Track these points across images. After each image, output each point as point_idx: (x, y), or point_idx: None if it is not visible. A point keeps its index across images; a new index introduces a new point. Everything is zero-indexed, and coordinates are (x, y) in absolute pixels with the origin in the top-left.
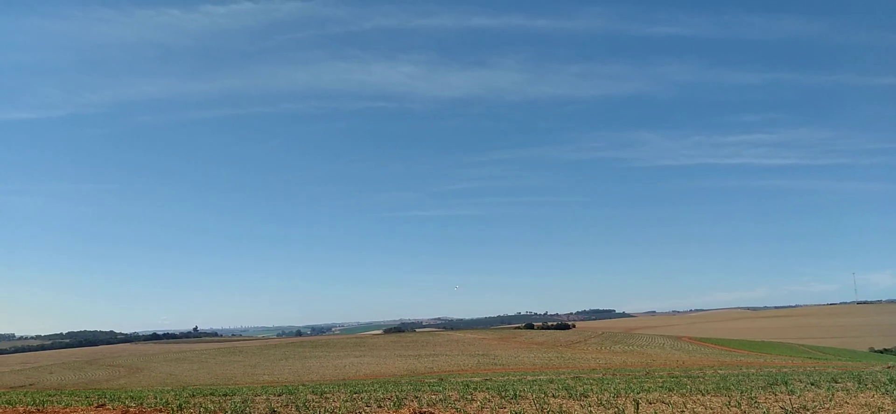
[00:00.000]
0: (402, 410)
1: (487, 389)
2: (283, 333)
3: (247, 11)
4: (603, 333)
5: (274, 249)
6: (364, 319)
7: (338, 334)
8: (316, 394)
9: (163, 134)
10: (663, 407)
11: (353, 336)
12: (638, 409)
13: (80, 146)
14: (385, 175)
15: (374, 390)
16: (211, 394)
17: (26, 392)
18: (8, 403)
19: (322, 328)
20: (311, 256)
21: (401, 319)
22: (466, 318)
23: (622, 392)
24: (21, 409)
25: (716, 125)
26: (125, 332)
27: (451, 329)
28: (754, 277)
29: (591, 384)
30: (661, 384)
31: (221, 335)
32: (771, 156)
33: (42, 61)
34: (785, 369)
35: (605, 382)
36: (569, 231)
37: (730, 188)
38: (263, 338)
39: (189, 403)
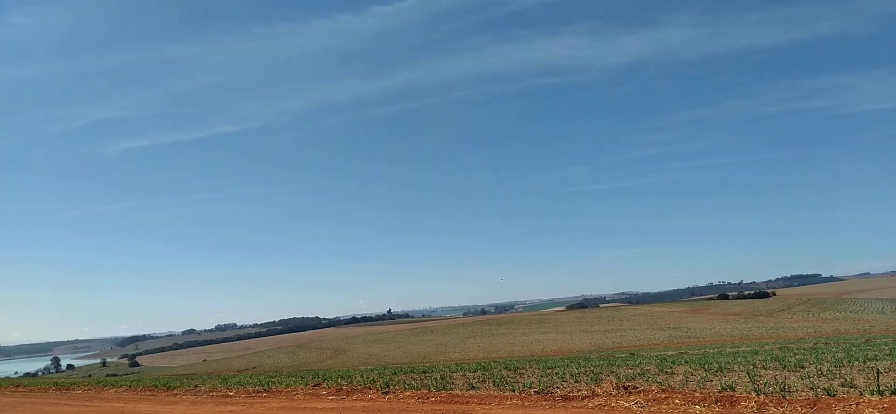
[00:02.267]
0: (604, 385)
1: (686, 362)
2: (469, 311)
3: (411, 7)
4: (809, 299)
5: (458, 232)
6: (546, 295)
7: (521, 312)
8: (509, 369)
9: (347, 133)
10: None
11: (536, 313)
12: (878, 379)
13: (276, 152)
14: (558, 151)
15: (566, 366)
16: (411, 371)
17: (253, 374)
18: (239, 385)
19: (505, 306)
20: (493, 236)
21: (583, 295)
22: (653, 291)
23: (844, 361)
24: (250, 389)
25: None
26: (328, 317)
27: (638, 303)
28: None
29: (805, 354)
30: (888, 352)
31: (413, 316)
32: None
33: (239, 78)
34: None
35: (819, 351)
36: (762, 192)
37: None
38: (451, 317)
39: (393, 381)
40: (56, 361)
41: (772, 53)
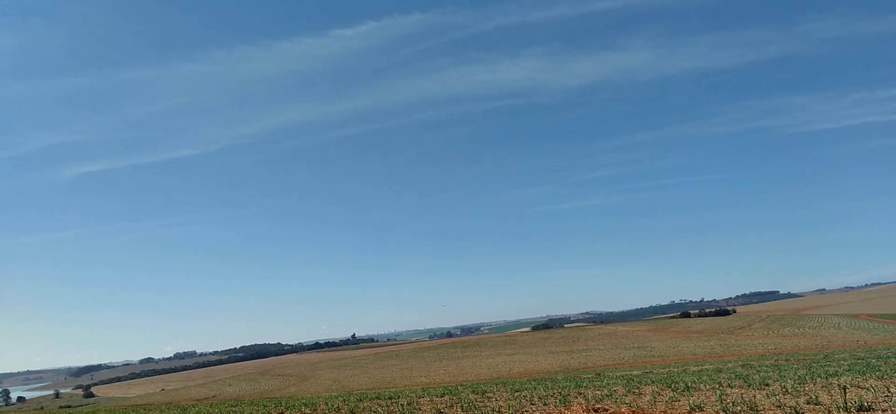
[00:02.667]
0: (574, 408)
1: (653, 381)
2: (435, 334)
3: (372, 31)
4: (768, 316)
5: (421, 255)
6: (512, 317)
7: (487, 334)
8: (477, 393)
9: (307, 155)
10: (863, 393)
11: (502, 335)
12: (846, 395)
13: (236, 175)
14: (520, 171)
15: (534, 388)
16: (376, 398)
17: (213, 404)
18: None
19: (471, 328)
20: (456, 260)
21: (548, 315)
22: (616, 310)
23: (807, 378)
24: None
25: (878, 79)
26: (291, 342)
27: (602, 322)
28: None
29: (767, 371)
30: (848, 368)
31: (378, 340)
32: None
33: (199, 102)
34: None
35: (781, 368)
36: (718, 211)
37: None
38: (417, 341)
39: (358, 407)
40: (6, 393)
41: (723, 75)
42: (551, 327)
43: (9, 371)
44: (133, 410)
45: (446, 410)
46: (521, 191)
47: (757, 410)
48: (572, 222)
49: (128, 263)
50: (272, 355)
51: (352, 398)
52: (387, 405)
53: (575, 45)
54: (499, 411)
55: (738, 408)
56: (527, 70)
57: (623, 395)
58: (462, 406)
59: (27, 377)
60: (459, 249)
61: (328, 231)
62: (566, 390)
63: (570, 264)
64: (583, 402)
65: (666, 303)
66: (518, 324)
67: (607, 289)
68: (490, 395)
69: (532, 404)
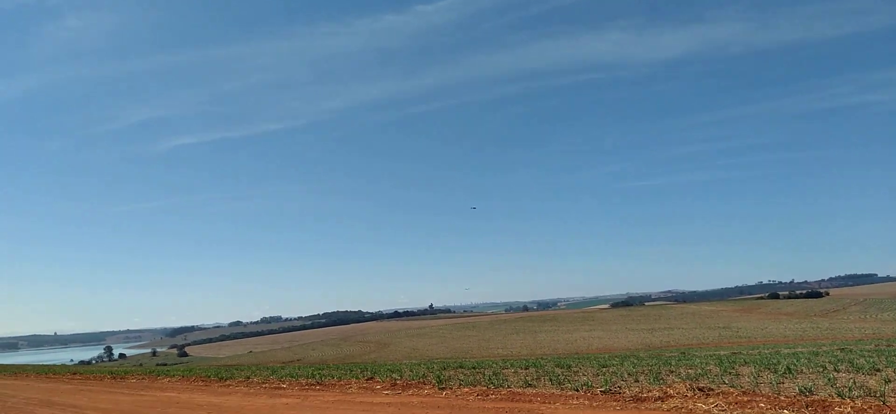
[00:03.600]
0: (677, 386)
1: (748, 362)
2: (510, 308)
3: (453, 5)
4: (864, 299)
5: (499, 227)
6: (589, 293)
7: (563, 309)
8: (562, 367)
9: (386, 130)
10: None
11: (579, 311)
12: None
13: (318, 149)
14: (601, 147)
15: (619, 364)
16: (459, 367)
17: (303, 366)
18: (291, 377)
19: (547, 303)
20: (535, 233)
21: (628, 293)
22: (699, 289)
23: None
24: (303, 381)
25: None
26: (370, 311)
27: (684, 301)
28: None
29: (872, 356)
30: None
31: (454, 312)
32: None
33: (284, 78)
34: None
35: (886, 353)
36: (813, 190)
37: None
38: (493, 313)
39: (444, 375)
40: (109, 350)
41: (823, 47)
42: (631, 305)
43: (112, 329)
44: (228, 370)
45: (534, 382)
46: (603, 167)
47: (875, 396)
48: (655, 200)
49: (217, 231)
50: (353, 322)
51: (435, 366)
52: (471, 374)
53: (662, 18)
54: (589, 386)
55: (855, 393)
56: (611, 43)
57: (719, 375)
58: (550, 378)
59: (128, 336)
60: (537, 224)
61: (406, 204)
62: (655, 368)
63: (652, 242)
64: (678, 380)
65: (752, 283)
66: (596, 301)
67: (690, 267)
68: (575, 369)
69: (622, 380)
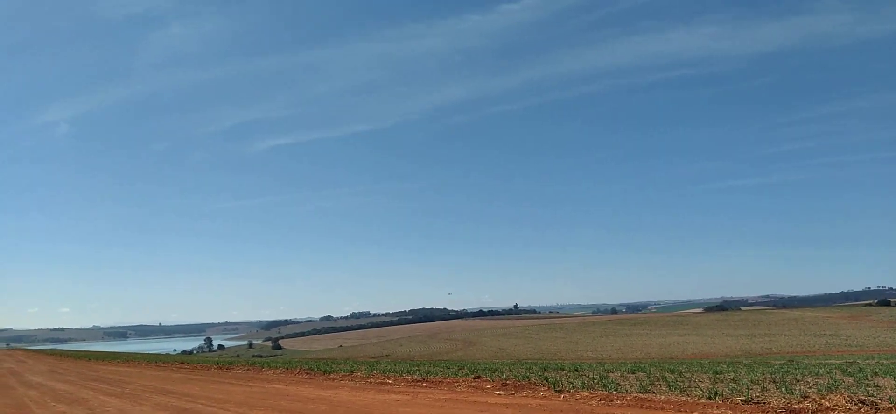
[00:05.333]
0: (834, 397)
1: (878, 373)
2: (598, 310)
3: (538, 3)
4: None
5: (585, 228)
6: (681, 297)
7: (654, 313)
8: (672, 373)
9: (471, 130)
10: None
11: (671, 314)
12: None
13: (405, 149)
14: (690, 146)
15: (734, 371)
16: (560, 369)
17: (403, 362)
18: (395, 372)
19: (636, 306)
20: (623, 233)
21: (722, 297)
22: (800, 294)
23: None
24: (409, 378)
25: None
26: (455, 309)
27: (784, 306)
28: None
29: None
30: None
31: (539, 312)
32: None
33: (371, 80)
34: None
35: None
36: None
37: None
38: (579, 315)
39: (549, 377)
40: (209, 341)
41: None
42: (726, 309)
43: (211, 321)
44: (335, 363)
45: (649, 388)
46: (693, 166)
47: None
48: (750, 200)
49: (310, 229)
50: (438, 320)
51: (535, 367)
52: (575, 377)
53: (758, 10)
54: (721, 394)
55: None
56: (702, 37)
57: (853, 386)
58: (667, 384)
59: (225, 328)
60: (624, 224)
61: (491, 203)
62: (776, 375)
63: (748, 244)
64: (818, 391)
65: (859, 289)
66: (688, 304)
67: (790, 271)
68: (688, 375)
69: (748, 389)
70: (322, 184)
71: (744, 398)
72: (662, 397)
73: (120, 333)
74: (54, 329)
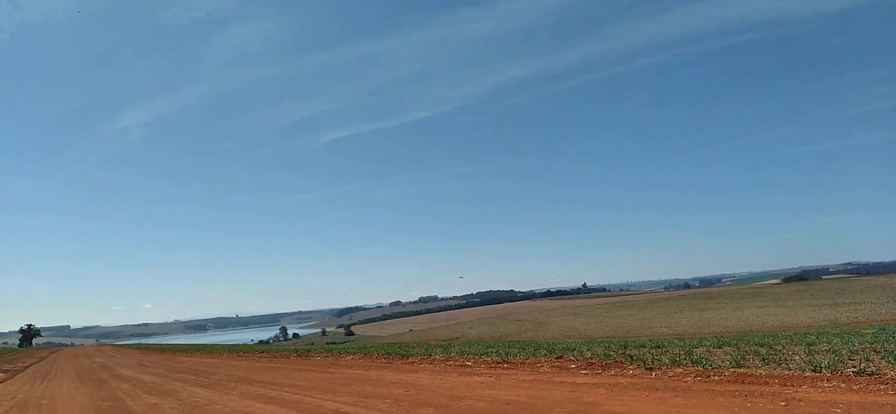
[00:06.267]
0: None
1: None
2: (670, 285)
3: None
4: None
5: (655, 202)
6: (756, 268)
7: (729, 285)
8: (762, 345)
9: (531, 110)
10: None
11: (748, 286)
12: None
13: (464, 134)
14: (762, 112)
15: (827, 343)
16: (641, 346)
17: (475, 344)
18: (474, 354)
19: (710, 280)
20: (693, 206)
21: (801, 266)
22: (887, 260)
23: None
24: (489, 359)
25: None
26: (523, 290)
27: (869, 274)
28: None
29: None
30: None
31: (609, 290)
32: None
33: (429, 67)
34: None
35: None
36: None
37: None
38: (651, 291)
39: (633, 355)
40: (283, 330)
41: None
42: (806, 279)
43: (285, 311)
44: (411, 347)
45: (742, 361)
46: (765, 133)
47: None
48: (827, 164)
49: (374, 217)
50: (505, 302)
51: (613, 345)
52: (658, 353)
53: None
54: (826, 366)
55: None
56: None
57: None
58: (762, 357)
59: (299, 316)
60: (695, 197)
61: (552, 182)
62: (875, 345)
63: (826, 210)
64: None
65: None
66: (764, 275)
67: (874, 236)
68: (778, 348)
69: (849, 359)
70: (386, 172)
71: (856, 370)
72: (763, 372)
73: (200, 326)
74: (138, 324)
